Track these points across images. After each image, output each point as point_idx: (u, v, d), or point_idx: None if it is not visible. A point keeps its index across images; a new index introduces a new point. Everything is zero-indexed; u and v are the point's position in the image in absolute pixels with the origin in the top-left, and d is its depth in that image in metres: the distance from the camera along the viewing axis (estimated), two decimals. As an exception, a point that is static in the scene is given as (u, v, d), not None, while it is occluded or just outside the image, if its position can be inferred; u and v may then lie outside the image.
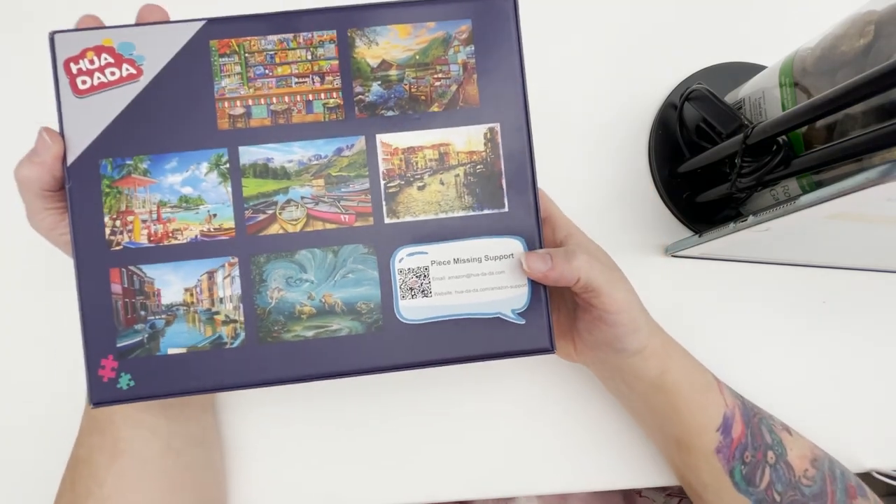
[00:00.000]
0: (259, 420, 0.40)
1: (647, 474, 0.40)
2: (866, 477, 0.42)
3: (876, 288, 0.43)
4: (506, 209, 0.30)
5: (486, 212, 0.30)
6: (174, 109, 0.29)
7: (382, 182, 0.30)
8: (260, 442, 0.40)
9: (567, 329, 0.35)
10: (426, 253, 0.30)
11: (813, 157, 0.30)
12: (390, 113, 0.30)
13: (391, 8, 0.30)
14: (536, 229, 0.30)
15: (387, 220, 0.30)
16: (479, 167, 0.30)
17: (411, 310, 0.30)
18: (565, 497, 0.45)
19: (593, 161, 0.43)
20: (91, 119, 0.29)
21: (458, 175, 0.30)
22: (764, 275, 0.43)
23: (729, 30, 0.45)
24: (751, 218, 0.32)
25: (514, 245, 0.30)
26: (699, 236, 0.38)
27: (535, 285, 0.30)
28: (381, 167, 0.30)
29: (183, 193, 0.29)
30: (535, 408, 0.41)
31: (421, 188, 0.30)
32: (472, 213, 0.30)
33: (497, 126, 0.30)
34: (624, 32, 0.44)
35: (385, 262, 0.30)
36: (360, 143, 0.30)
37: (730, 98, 0.40)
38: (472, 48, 0.30)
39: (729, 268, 0.43)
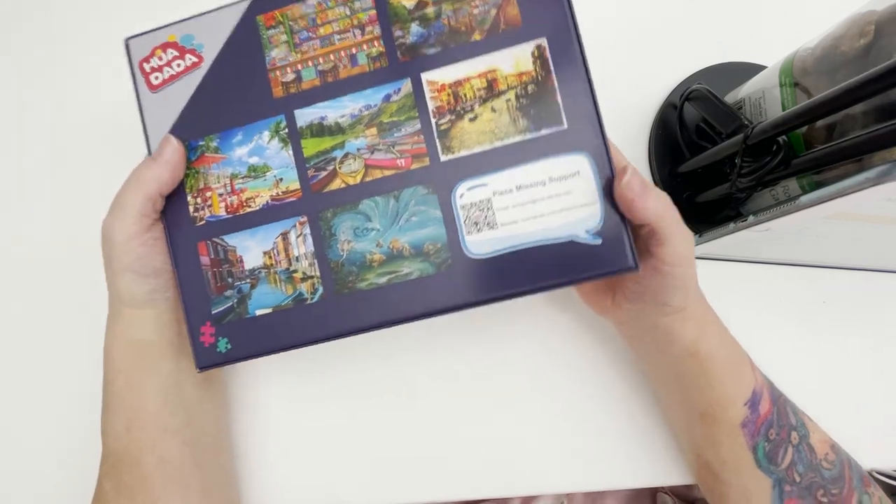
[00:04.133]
0: (257, 422, 0.40)
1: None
2: (866, 477, 0.42)
3: (876, 288, 0.43)
4: (564, 126, 0.29)
5: (543, 132, 0.29)
6: (234, 87, 0.31)
7: (433, 120, 0.29)
8: (259, 443, 0.40)
9: None
10: (486, 184, 0.29)
11: (813, 157, 0.30)
12: (432, 50, 0.29)
13: None
14: (602, 142, 0.28)
15: (442, 158, 0.29)
16: (530, 87, 0.29)
17: (479, 244, 0.29)
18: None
19: (593, 161, 0.43)
20: (166, 109, 0.31)
21: (509, 100, 0.29)
22: (764, 275, 0.43)
23: (729, 30, 0.45)
24: (751, 218, 0.32)
25: (579, 162, 0.28)
26: (699, 236, 0.38)
27: (608, 202, 0.28)
28: (430, 105, 0.29)
29: (251, 163, 0.31)
30: (555, 407, 0.41)
31: (472, 119, 0.29)
32: (529, 135, 0.29)
33: (544, 41, 0.29)
34: (624, 32, 0.44)
35: (446, 199, 0.29)
36: (406, 85, 0.30)
37: (730, 98, 0.40)
38: None
39: (729, 268, 0.43)
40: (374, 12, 0.30)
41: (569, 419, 0.40)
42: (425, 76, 0.29)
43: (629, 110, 0.43)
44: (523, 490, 0.40)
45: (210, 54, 0.31)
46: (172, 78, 0.31)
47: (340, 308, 0.30)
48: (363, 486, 0.39)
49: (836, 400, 0.42)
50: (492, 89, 0.29)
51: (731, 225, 0.34)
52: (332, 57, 0.30)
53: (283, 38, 0.30)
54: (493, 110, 0.29)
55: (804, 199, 0.28)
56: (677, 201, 0.42)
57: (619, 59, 0.44)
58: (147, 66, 0.31)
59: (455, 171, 0.29)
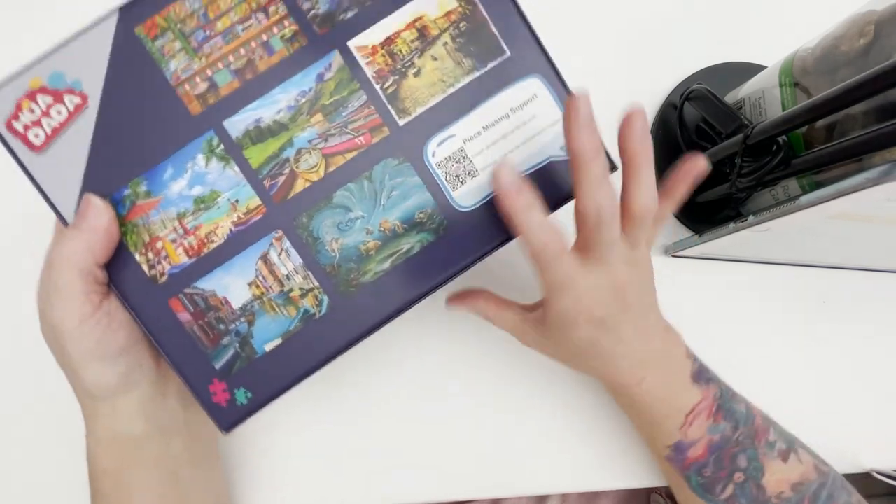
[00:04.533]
0: (256, 421, 0.40)
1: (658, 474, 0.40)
2: (866, 477, 0.42)
3: (876, 288, 0.43)
4: (507, 54, 0.28)
5: (490, 66, 0.27)
6: (139, 118, 0.26)
7: (377, 87, 0.27)
8: (257, 444, 0.40)
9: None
10: (454, 135, 0.28)
11: (813, 157, 0.30)
12: (350, 14, 0.27)
13: None
14: (546, 59, 0.28)
15: (401, 122, 0.27)
16: (462, 24, 0.27)
17: (467, 195, 0.28)
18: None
19: (593, 161, 0.43)
20: (65, 168, 0.26)
21: (446, 43, 0.27)
22: (764, 275, 0.43)
23: (729, 30, 0.45)
24: (751, 218, 0.32)
25: (532, 85, 0.28)
26: (699, 236, 0.38)
27: None
28: (369, 72, 0.27)
29: (195, 196, 0.27)
30: (551, 408, 0.41)
31: (417, 74, 0.27)
32: (477, 73, 0.27)
33: None
34: (623, 32, 0.44)
35: (420, 163, 0.28)
36: (335, 59, 0.27)
37: (730, 98, 0.40)
38: None
39: (729, 268, 0.43)
40: None
41: (564, 420, 0.40)
42: (352, 43, 0.27)
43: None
44: (520, 490, 0.40)
45: (94, 89, 0.26)
46: (57, 130, 0.26)
47: (354, 308, 0.28)
48: (361, 487, 0.39)
49: (835, 400, 0.42)
50: (425, 38, 0.27)
51: (731, 225, 0.34)
52: (242, 51, 0.26)
53: (177, 45, 0.26)
54: (434, 58, 0.27)
55: (804, 199, 0.28)
56: (677, 201, 0.42)
57: (619, 59, 0.44)
58: (18, 125, 0.25)
59: (419, 132, 0.27)
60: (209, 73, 0.26)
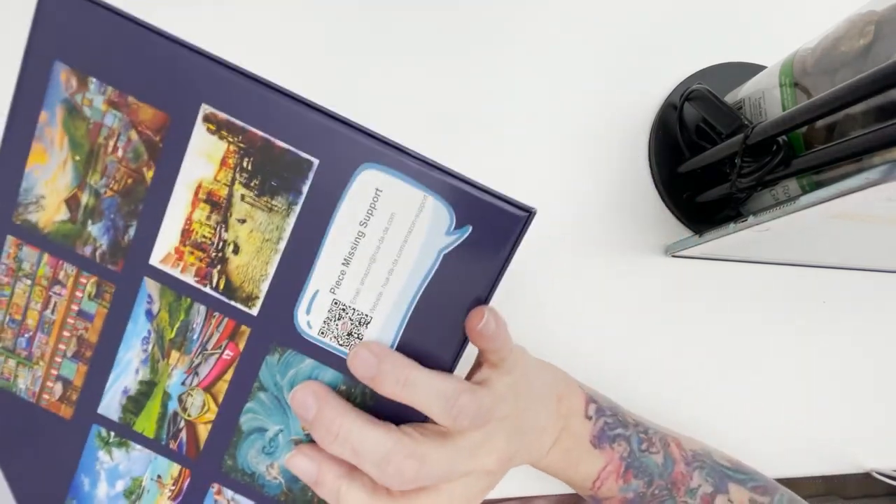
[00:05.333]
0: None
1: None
2: (866, 477, 0.42)
3: (876, 288, 0.43)
4: (315, 161, 0.21)
5: (305, 188, 0.22)
6: (30, 452, 0.25)
7: (206, 289, 0.23)
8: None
9: None
10: (317, 290, 0.22)
11: (813, 157, 0.30)
12: (132, 230, 0.23)
13: (5, 157, 0.22)
14: (366, 139, 0.21)
15: (253, 312, 0.23)
16: (246, 162, 0.22)
17: (376, 342, 0.23)
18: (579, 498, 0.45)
19: (593, 161, 0.43)
20: None
21: (243, 196, 0.22)
22: (764, 275, 0.43)
23: (729, 30, 0.45)
24: (751, 218, 0.32)
25: (370, 179, 0.21)
26: (699, 236, 0.38)
27: (433, 185, 0.21)
28: (189, 279, 0.23)
29: (121, 490, 0.25)
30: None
31: (236, 251, 0.22)
32: (297, 207, 0.22)
33: (206, 107, 0.21)
34: (624, 32, 0.44)
35: (301, 342, 0.23)
36: (150, 286, 0.23)
37: (730, 98, 0.40)
38: (94, 80, 0.21)
39: (729, 268, 0.43)
40: (48, 256, 0.23)
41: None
42: (153, 260, 0.23)
43: (629, 110, 0.44)
44: (514, 491, 0.40)
45: None
46: None
47: None
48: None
49: (835, 400, 0.42)
50: (218, 205, 0.22)
51: (731, 225, 0.34)
52: (66, 333, 0.24)
53: (12, 362, 0.25)
54: (242, 221, 0.22)
55: (804, 199, 0.28)
56: (677, 201, 0.42)
57: (620, 59, 0.44)
58: None
59: (278, 310, 0.23)
60: (54, 372, 0.25)
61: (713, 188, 0.39)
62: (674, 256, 0.42)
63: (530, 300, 0.41)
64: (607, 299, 0.42)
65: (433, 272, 0.22)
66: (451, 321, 0.23)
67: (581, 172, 0.43)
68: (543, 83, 0.43)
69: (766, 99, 0.36)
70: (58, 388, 0.25)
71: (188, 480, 0.25)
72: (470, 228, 0.21)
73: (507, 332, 0.24)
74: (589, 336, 0.41)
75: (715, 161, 0.37)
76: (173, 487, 0.25)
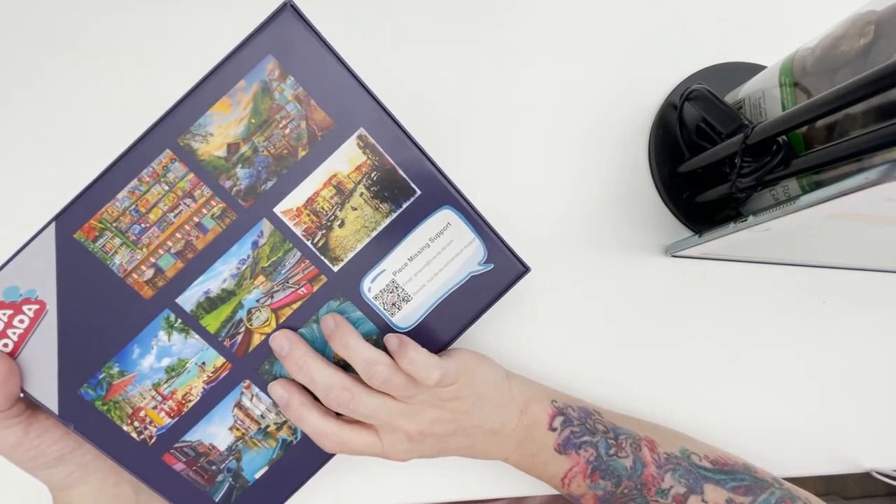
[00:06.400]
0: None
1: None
2: (866, 477, 0.42)
3: (876, 288, 0.43)
4: (418, 192, 0.31)
5: (405, 206, 0.31)
6: (98, 310, 0.29)
7: (308, 243, 0.30)
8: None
9: None
10: (384, 269, 0.31)
11: (813, 157, 0.30)
12: (270, 184, 0.29)
13: (198, 96, 0.28)
14: (453, 191, 0.31)
15: (335, 269, 0.31)
16: (373, 174, 0.30)
17: (404, 318, 0.32)
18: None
19: (593, 161, 0.43)
20: (41, 366, 0.29)
21: (362, 193, 0.30)
22: (764, 275, 0.43)
23: (729, 30, 0.45)
24: (751, 218, 0.32)
25: (445, 216, 0.31)
26: (699, 236, 0.38)
27: (481, 232, 0.32)
28: (298, 232, 0.30)
29: (165, 366, 0.30)
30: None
31: (341, 225, 0.30)
32: (395, 215, 0.31)
33: (362, 130, 0.29)
34: (624, 32, 0.44)
35: (359, 299, 0.31)
36: (265, 225, 0.29)
37: (730, 98, 0.40)
38: (292, 78, 0.28)
39: (729, 268, 0.43)
40: (192, 176, 0.28)
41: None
42: (278, 209, 0.29)
43: (629, 110, 0.44)
44: (509, 491, 0.40)
45: (49, 295, 0.28)
46: (24, 336, 0.28)
47: None
48: (360, 487, 0.39)
49: (835, 400, 0.42)
50: (342, 192, 0.30)
51: (731, 225, 0.34)
52: (179, 235, 0.29)
53: (117, 241, 0.28)
54: (354, 208, 0.30)
55: (804, 199, 0.28)
56: (677, 201, 0.42)
57: (619, 59, 0.44)
58: None
59: (353, 274, 0.31)
60: (153, 259, 0.29)
61: (713, 188, 0.39)
62: (674, 256, 0.42)
63: (530, 300, 0.41)
64: (607, 299, 0.42)
65: (460, 285, 0.32)
66: (454, 320, 0.33)
67: (581, 172, 0.43)
68: (543, 83, 0.43)
69: (766, 99, 0.36)
70: (149, 272, 0.29)
71: (226, 372, 0.31)
72: (492, 266, 0.33)
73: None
74: (589, 336, 0.41)
75: (715, 161, 0.37)
76: (211, 374, 0.31)
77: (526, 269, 0.33)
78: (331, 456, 0.33)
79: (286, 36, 0.28)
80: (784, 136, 0.32)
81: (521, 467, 0.36)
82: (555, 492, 0.38)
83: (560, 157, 0.43)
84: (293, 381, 0.31)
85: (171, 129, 0.28)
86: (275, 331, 0.30)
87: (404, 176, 0.30)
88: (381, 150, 0.30)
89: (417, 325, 0.32)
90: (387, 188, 0.30)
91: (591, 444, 0.34)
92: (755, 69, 0.41)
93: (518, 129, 0.42)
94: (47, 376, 0.29)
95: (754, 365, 0.42)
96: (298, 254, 0.30)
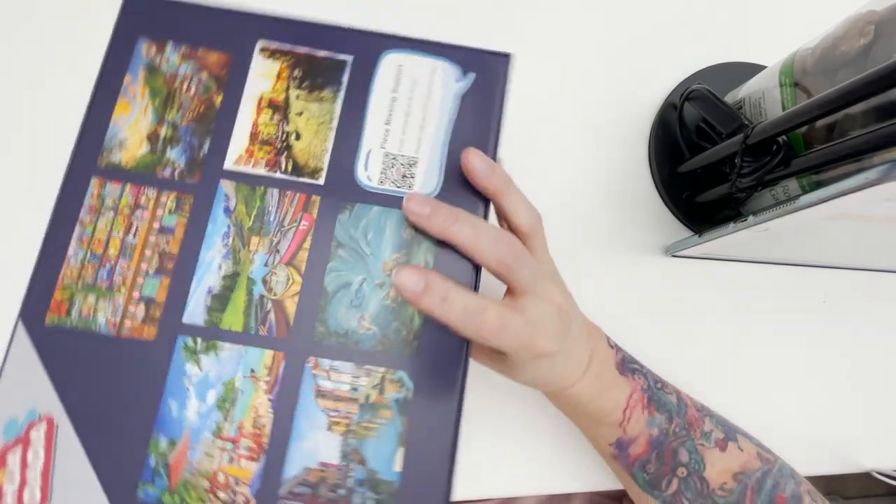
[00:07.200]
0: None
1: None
2: (866, 477, 0.42)
3: (876, 288, 0.43)
4: (348, 58, 0.28)
5: (344, 79, 0.28)
6: (112, 387, 0.24)
7: (277, 174, 0.27)
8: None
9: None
10: (369, 149, 0.27)
11: (813, 157, 0.30)
12: (206, 146, 0.27)
13: (94, 114, 0.27)
14: (373, 34, 0.29)
15: (321, 182, 0.27)
16: (297, 72, 0.28)
17: (426, 181, 0.27)
18: (568, 497, 0.45)
19: (594, 161, 0.43)
20: (81, 489, 0.23)
21: (298, 96, 0.28)
22: (764, 275, 0.43)
23: (729, 30, 0.45)
24: (751, 218, 0.32)
25: (391, 61, 0.28)
26: (699, 236, 0.38)
27: (437, 52, 0.28)
28: (260, 171, 0.26)
29: (214, 403, 0.24)
30: (533, 409, 0.41)
31: (298, 137, 0.27)
32: (342, 93, 0.28)
33: (259, 43, 0.28)
34: (624, 32, 0.44)
35: (365, 195, 0.27)
36: (226, 186, 0.26)
37: (730, 98, 0.40)
38: (171, 43, 0.28)
39: (729, 268, 0.43)
40: (129, 186, 0.26)
41: (542, 421, 0.40)
42: (228, 164, 0.26)
43: (629, 110, 0.44)
44: (503, 492, 0.40)
45: (51, 405, 0.24)
46: (46, 471, 0.23)
47: (433, 354, 0.25)
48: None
49: (835, 400, 0.42)
50: (279, 107, 0.27)
51: (731, 225, 0.34)
52: (148, 252, 0.25)
53: (91, 298, 0.25)
54: (300, 114, 0.27)
55: (804, 199, 0.28)
56: (677, 201, 0.42)
57: (620, 59, 0.44)
58: (10, 499, 0.23)
59: (341, 173, 0.27)
60: (136, 294, 0.25)
61: (713, 188, 0.39)
62: (674, 256, 0.42)
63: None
64: (607, 299, 0.42)
65: (456, 114, 0.28)
66: (478, 146, 0.27)
67: (581, 172, 0.43)
68: (543, 83, 0.43)
69: (766, 99, 0.36)
70: (140, 310, 0.25)
71: (283, 364, 0.24)
72: (474, 73, 0.28)
73: (505, 186, 0.27)
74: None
75: (715, 161, 0.37)
76: (268, 378, 0.24)
77: (507, 55, 0.29)
78: (462, 383, 0.25)
79: (143, 12, 0.27)
80: (784, 136, 0.32)
81: (584, 396, 0.32)
82: (547, 493, 0.37)
83: (560, 157, 0.43)
84: (419, 266, 0.26)
85: (85, 158, 0.26)
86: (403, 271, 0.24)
87: (325, 54, 0.28)
88: (288, 47, 0.28)
89: (445, 179, 0.27)
90: (317, 75, 0.28)
91: (640, 371, 0.34)
92: (755, 69, 0.41)
93: (518, 130, 0.42)
94: (93, 495, 0.23)
95: (754, 365, 0.42)
96: (276, 191, 0.26)
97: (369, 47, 0.28)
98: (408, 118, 0.28)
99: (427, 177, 0.27)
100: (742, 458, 0.34)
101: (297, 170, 0.27)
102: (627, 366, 0.34)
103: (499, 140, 0.28)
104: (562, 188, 0.42)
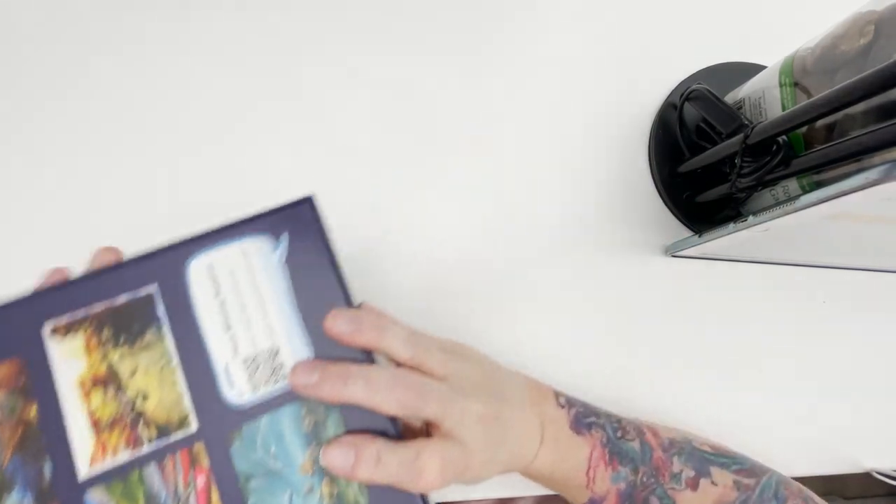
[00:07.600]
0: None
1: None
2: (866, 477, 0.42)
3: (876, 288, 0.43)
4: (153, 287, 0.25)
5: (158, 311, 0.25)
6: None
7: (144, 449, 0.23)
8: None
9: None
10: (225, 365, 0.25)
11: (813, 157, 0.30)
12: (48, 470, 0.23)
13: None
14: (165, 254, 0.25)
15: (193, 428, 0.24)
16: (105, 332, 0.24)
17: (303, 369, 0.25)
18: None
19: (594, 161, 0.43)
20: None
21: (120, 354, 0.24)
22: (764, 275, 0.43)
23: (729, 30, 0.45)
24: (751, 218, 0.32)
25: (197, 268, 0.25)
26: (699, 236, 0.38)
27: (239, 234, 0.26)
28: (124, 457, 0.23)
29: None
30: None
31: (145, 397, 0.24)
32: (163, 326, 0.25)
33: (45, 326, 0.24)
34: (624, 32, 0.44)
35: (243, 415, 0.24)
36: (93, 496, 0.23)
37: (730, 98, 0.40)
38: None
39: (729, 268, 0.43)
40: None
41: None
42: (83, 474, 0.23)
43: (629, 110, 0.44)
44: (498, 492, 0.40)
45: None
46: None
47: None
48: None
49: (835, 400, 0.42)
50: (105, 380, 0.24)
51: (731, 225, 0.34)
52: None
53: None
54: (133, 373, 0.24)
55: (804, 199, 0.28)
56: (677, 201, 0.42)
57: (620, 59, 0.44)
58: None
59: (209, 406, 0.24)
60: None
61: (713, 188, 0.39)
62: (674, 256, 0.42)
63: (530, 300, 0.41)
64: (607, 299, 0.42)
65: (290, 281, 0.26)
66: (325, 295, 0.26)
67: (581, 172, 0.43)
68: (543, 83, 0.43)
69: (766, 99, 0.36)
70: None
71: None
72: (286, 232, 0.26)
73: (381, 334, 0.26)
74: (589, 336, 0.41)
75: (715, 161, 0.37)
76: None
77: (307, 199, 0.27)
78: None
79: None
80: (784, 136, 0.32)
81: (545, 468, 0.32)
82: (544, 493, 0.37)
83: (560, 158, 0.43)
84: (340, 437, 0.25)
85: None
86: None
87: (125, 298, 0.25)
88: (81, 313, 0.24)
89: (315, 347, 0.25)
90: (129, 323, 0.24)
91: (597, 424, 0.33)
92: (755, 69, 0.41)
93: (518, 130, 0.42)
94: None
95: (754, 365, 0.42)
96: (152, 466, 0.23)
97: (167, 266, 0.25)
98: (246, 312, 0.25)
99: (296, 356, 0.25)
100: (716, 494, 0.33)
101: (163, 430, 0.24)
102: (582, 422, 0.33)
103: (344, 280, 0.26)
104: (562, 188, 0.42)
